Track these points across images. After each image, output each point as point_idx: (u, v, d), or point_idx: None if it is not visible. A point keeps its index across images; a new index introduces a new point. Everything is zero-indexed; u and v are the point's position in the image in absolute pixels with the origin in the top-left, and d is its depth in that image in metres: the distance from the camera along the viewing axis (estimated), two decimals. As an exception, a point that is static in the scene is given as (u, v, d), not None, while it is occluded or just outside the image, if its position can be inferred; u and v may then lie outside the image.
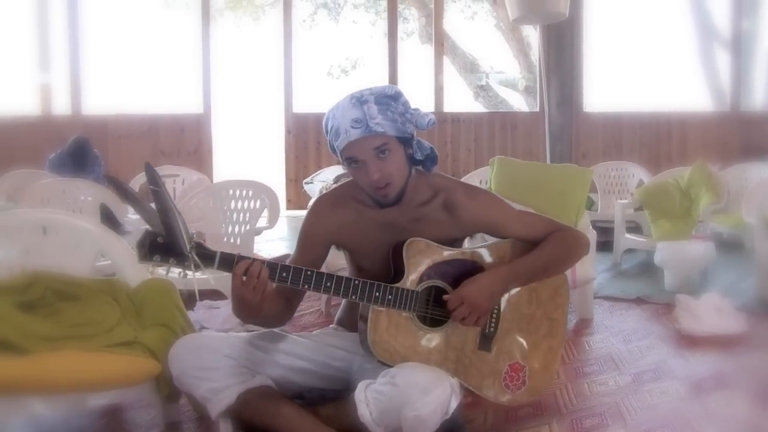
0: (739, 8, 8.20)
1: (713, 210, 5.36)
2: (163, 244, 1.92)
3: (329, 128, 2.09)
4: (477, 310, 2.09)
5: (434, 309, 2.13)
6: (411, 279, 2.11)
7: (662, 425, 2.40)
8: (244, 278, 1.96)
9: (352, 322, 2.22)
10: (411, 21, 11.20)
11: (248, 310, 2.05)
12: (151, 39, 9.05)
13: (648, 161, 7.29)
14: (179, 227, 1.92)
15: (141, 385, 2.29)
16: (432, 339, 2.12)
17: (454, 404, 1.97)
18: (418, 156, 2.17)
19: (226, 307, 3.53)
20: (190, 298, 3.63)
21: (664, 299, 4.19)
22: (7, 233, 2.55)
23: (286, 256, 2.35)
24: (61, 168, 5.48)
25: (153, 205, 2.01)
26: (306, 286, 2.02)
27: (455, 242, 2.25)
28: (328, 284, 2.03)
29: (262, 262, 2.00)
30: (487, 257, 2.21)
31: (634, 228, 5.76)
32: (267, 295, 2.01)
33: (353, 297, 2.06)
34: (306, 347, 2.26)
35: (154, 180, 1.95)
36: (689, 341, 3.42)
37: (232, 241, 4.12)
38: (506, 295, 2.21)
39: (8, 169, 5.38)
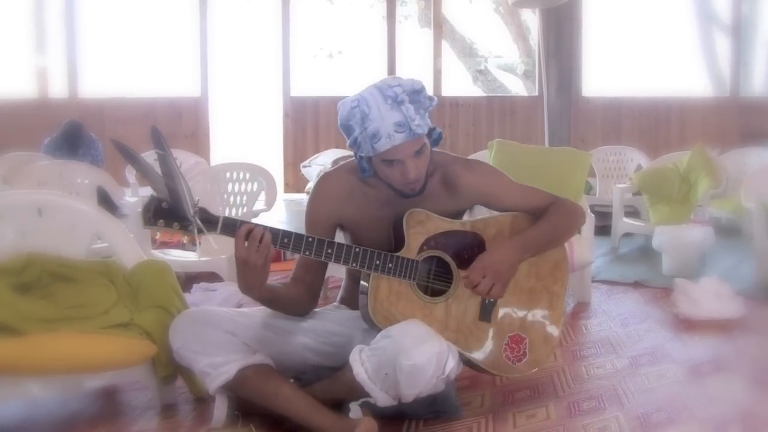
0: (740, -7, 8.16)
1: (712, 195, 5.37)
2: (168, 209, 1.93)
3: (366, 129, 2.00)
4: (501, 280, 2.12)
5: (435, 279, 2.16)
6: (411, 249, 2.14)
7: (659, 408, 2.40)
8: (246, 243, 1.96)
9: (353, 300, 2.23)
10: (409, 4, 11.12)
11: (253, 277, 2.01)
12: (148, 22, 8.98)
13: (647, 146, 7.26)
14: (183, 192, 1.93)
15: (137, 367, 2.30)
16: (432, 308, 2.14)
17: (451, 364, 1.98)
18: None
19: (222, 290, 3.53)
20: (187, 281, 3.64)
21: (662, 283, 4.19)
22: (3, 215, 2.53)
23: None
24: (56, 152, 5.45)
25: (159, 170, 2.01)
26: (307, 252, 2.03)
27: (456, 216, 2.27)
28: (329, 251, 2.04)
29: (264, 227, 2.00)
30: (487, 229, 2.23)
31: (633, 212, 5.76)
32: (270, 259, 2.00)
33: (354, 264, 2.07)
34: (306, 321, 2.28)
35: (159, 144, 1.96)
36: (687, 325, 3.42)
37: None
38: None
39: (4, 151, 5.34)
